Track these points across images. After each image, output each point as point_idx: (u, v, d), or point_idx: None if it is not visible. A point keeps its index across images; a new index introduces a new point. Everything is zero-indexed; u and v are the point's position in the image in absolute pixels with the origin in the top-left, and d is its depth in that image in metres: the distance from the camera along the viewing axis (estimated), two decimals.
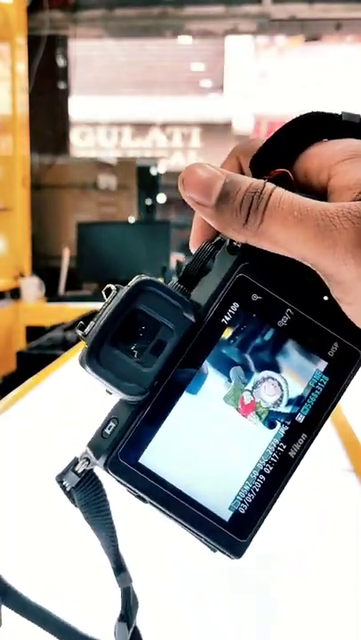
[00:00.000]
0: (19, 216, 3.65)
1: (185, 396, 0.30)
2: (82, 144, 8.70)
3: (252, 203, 0.28)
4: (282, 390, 0.31)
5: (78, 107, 5.81)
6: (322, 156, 0.29)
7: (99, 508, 0.32)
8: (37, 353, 2.40)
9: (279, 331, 0.30)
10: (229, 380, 0.30)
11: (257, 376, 0.30)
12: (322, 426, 0.31)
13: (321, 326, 0.31)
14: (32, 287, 3.55)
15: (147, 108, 8.45)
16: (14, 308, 3.45)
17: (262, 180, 0.29)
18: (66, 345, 2.36)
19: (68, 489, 0.32)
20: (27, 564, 0.69)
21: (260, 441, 0.30)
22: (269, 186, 0.28)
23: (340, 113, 0.31)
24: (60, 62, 4.54)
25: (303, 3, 4.21)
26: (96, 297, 3.27)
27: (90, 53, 6.18)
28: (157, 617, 0.59)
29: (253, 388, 0.30)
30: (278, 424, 0.30)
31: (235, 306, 0.30)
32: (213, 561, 0.34)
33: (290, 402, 0.31)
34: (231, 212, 0.28)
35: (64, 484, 0.31)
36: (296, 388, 0.31)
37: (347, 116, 0.31)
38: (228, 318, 0.30)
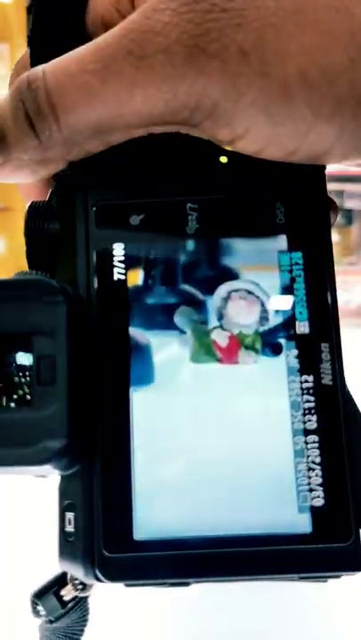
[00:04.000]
0: (19, 216, 3.63)
1: (137, 399, 0.20)
2: None
3: (27, 106, 0.19)
4: (258, 298, 0.21)
5: None
6: None
7: (70, 634, 0.24)
8: None
9: (197, 236, 0.21)
10: (182, 332, 0.21)
11: (214, 302, 0.21)
12: (337, 321, 0.21)
13: (241, 196, 0.22)
14: None
15: None
16: None
17: (24, 74, 0.20)
18: None
19: (43, 618, 0.23)
20: None
21: (276, 388, 0.20)
22: (37, 69, 0.20)
23: None
24: None
25: None
26: None
27: None
28: None
29: (220, 319, 0.21)
30: (283, 344, 0.21)
31: (118, 247, 0.22)
32: None
33: (277, 308, 0.21)
34: (16, 141, 0.20)
35: (38, 609, 0.23)
36: (271, 285, 0.21)
37: None
38: (120, 265, 0.21)
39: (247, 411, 0.20)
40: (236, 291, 0.21)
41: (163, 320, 0.21)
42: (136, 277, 0.21)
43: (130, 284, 0.21)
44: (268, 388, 0.21)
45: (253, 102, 0.19)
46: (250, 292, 0.21)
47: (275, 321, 0.21)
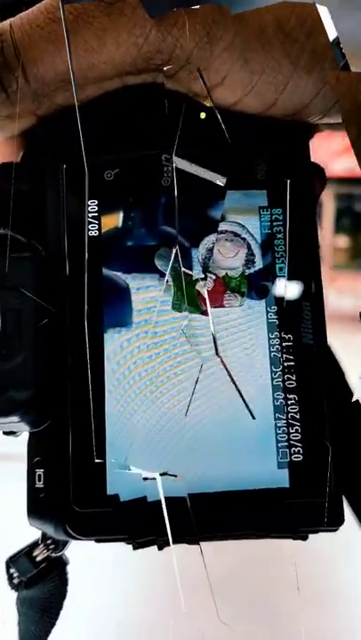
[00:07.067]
0: None
1: (112, 346, 0.20)
2: None
3: None
4: (244, 240, 0.20)
5: None
6: None
7: (47, 607, 0.23)
8: None
9: (173, 188, 0.21)
10: (162, 275, 0.20)
11: (199, 251, 0.20)
12: (319, 281, 0.20)
13: (219, 151, 0.21)
14: None
15: None
16: None
17: None
18: None
19: (15, 581, 0.23)
20: None
21: (259, 334, 0.20)
22: (5, 22, 0.19)
23: None
24: None
25: None
26: None
27: None
28: None
29: (206, 262, 0.20)
30: (269, 287, 0.20)
31: (92, 203, 0.21)
32: None
33: (264, 250, 0.20)
34: None
35: (12, 572, 0.23)
36: (255, 234, 0.20)
37: None
38: (94, 221, 0.21)
39: (229, 360, 0.20)
40: (224, 232, 0.20)
41: (142, 263, 0.20)
42: (113, 222, 0.21)
43: (106, 228, 0.21)
44: (251, 333, 0.20)
45: (230, 46, 0.18)
46: (236, 235, 0.20)
47: (261, 264, 0.20)
